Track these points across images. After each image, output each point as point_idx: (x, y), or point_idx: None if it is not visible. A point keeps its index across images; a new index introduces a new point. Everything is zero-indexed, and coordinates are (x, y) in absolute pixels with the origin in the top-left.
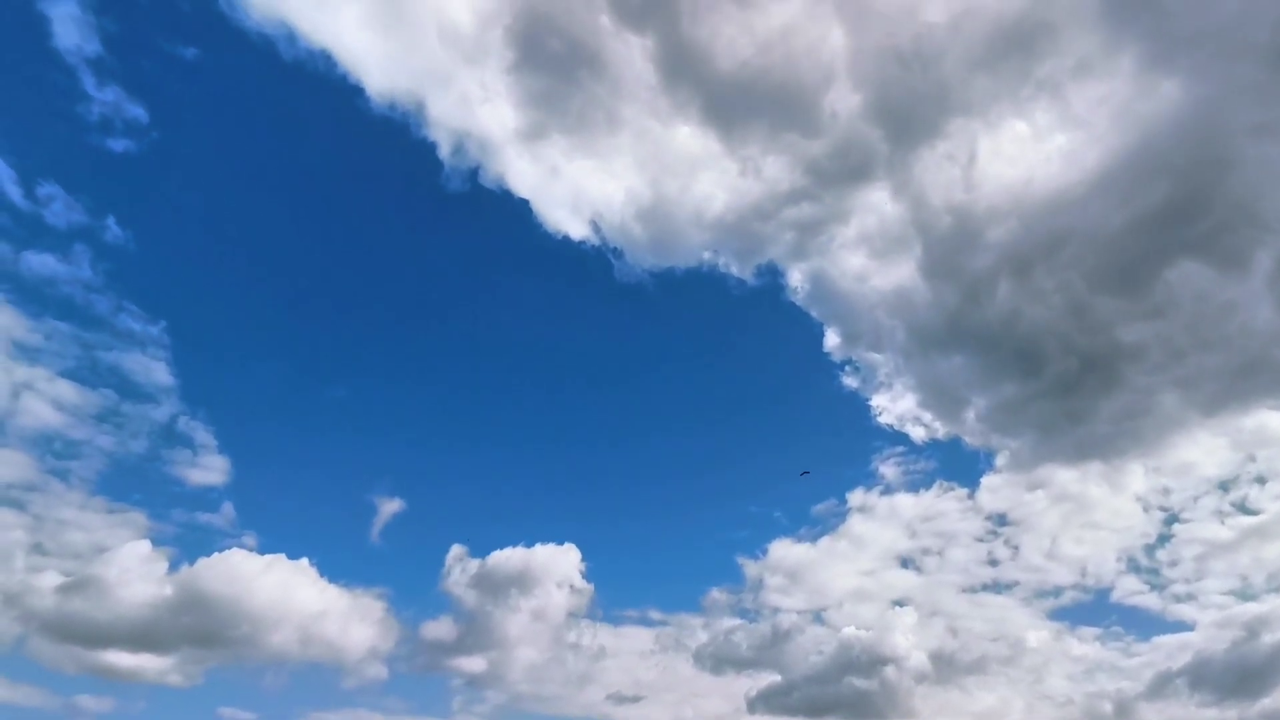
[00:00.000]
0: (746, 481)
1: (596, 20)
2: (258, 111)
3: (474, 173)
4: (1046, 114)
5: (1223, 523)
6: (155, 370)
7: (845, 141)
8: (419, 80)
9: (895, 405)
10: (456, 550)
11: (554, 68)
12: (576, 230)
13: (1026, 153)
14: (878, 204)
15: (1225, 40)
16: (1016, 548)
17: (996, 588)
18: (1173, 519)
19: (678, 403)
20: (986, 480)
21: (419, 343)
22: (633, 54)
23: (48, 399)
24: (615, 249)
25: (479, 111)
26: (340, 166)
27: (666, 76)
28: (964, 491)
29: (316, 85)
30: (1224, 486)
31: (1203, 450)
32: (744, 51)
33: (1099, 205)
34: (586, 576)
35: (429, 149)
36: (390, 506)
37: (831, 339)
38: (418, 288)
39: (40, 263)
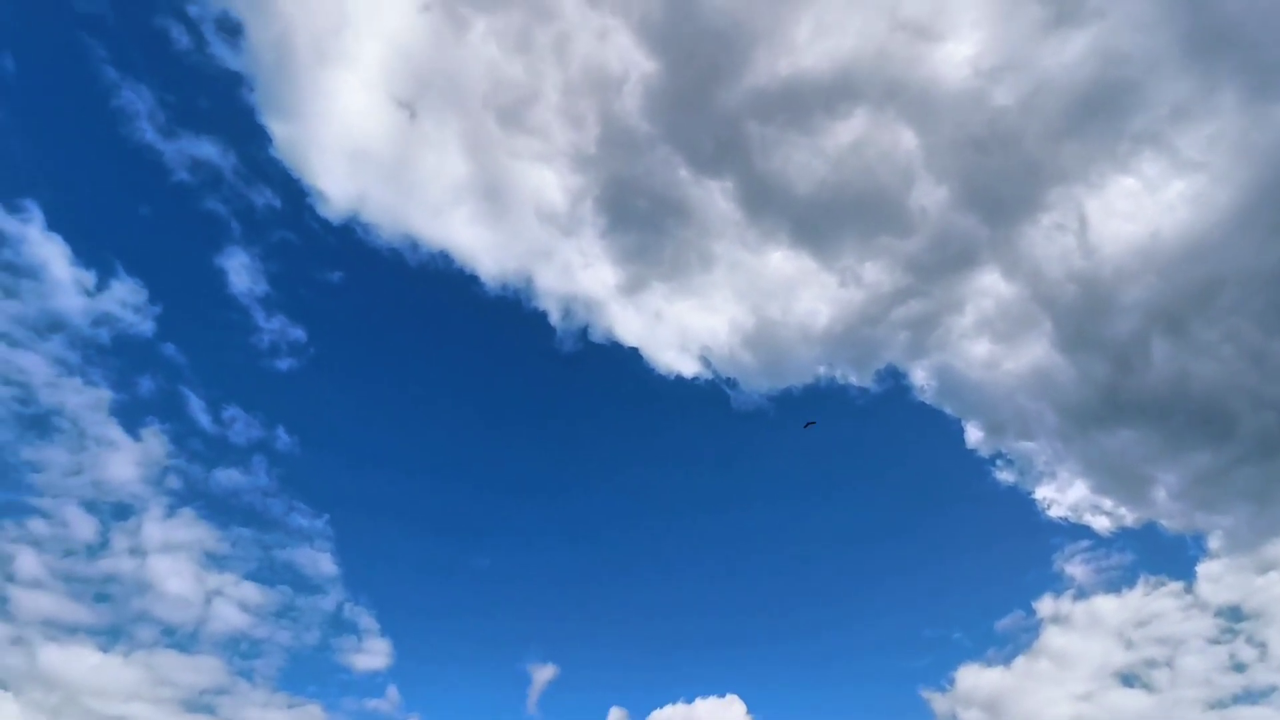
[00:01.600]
0: (914, 603)
1: (675, 174)
2: (393, 314)
3: (584, 331)
4: (1154, 164)
5: None
6: (322, 561)
7: (941, 233)
8: (525, 259)
9: (1065, 495)
10: (616, 713)
11: (643, 224)
12: (688, 368)
13: (1143, 206)
14: (990, 287)
15: None
16: (1263, 645)
17: (1251, 697)
18: None
19: (820, 528)
20: (1203, 568)
21: (553, 504)
22: (713, 196)
23: (235, 602)
24: (729, 379)
25: (581, 276)
26: (464, 349)
27: (750, 210)
28: (1178, 585)
29: (439, 281)
30: None
31: None
32: (819, 172)
33: (1246, 242)
34: None
35: (541, 318)
36: (544, 673)
37: (973, 434)
38: (545, 449)
39: (226, 477)
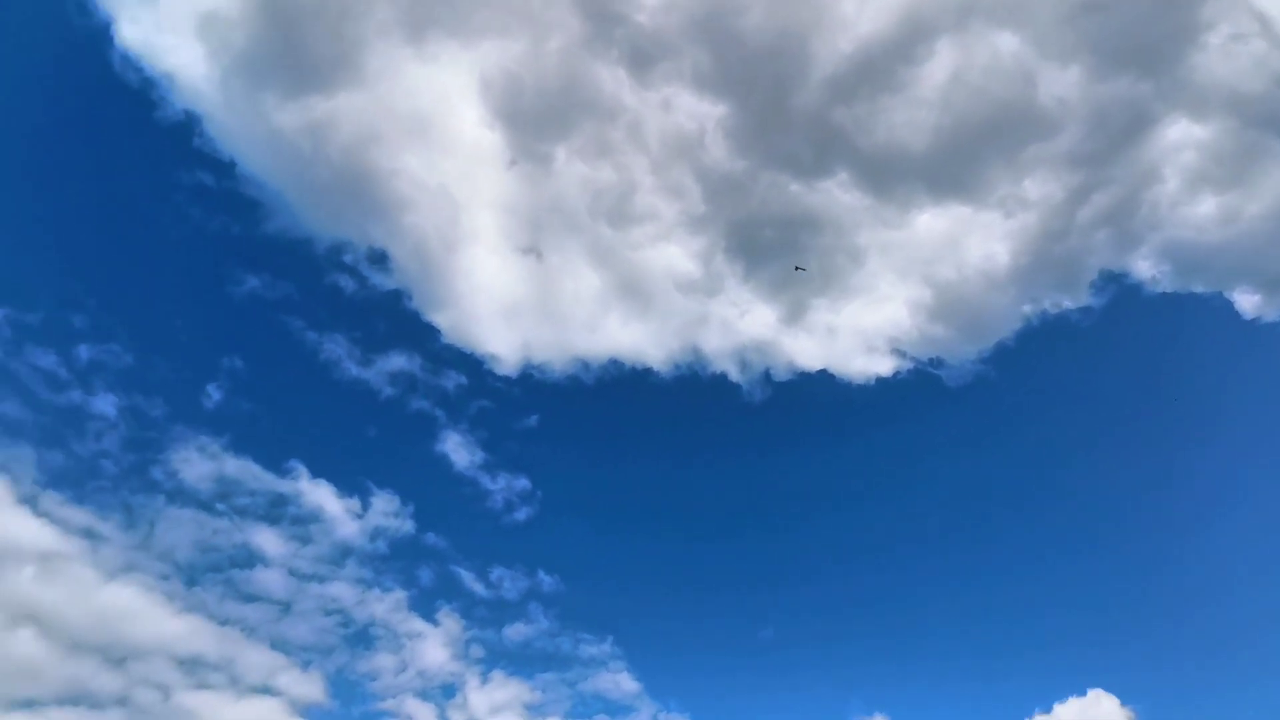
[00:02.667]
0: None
1: (787, 192)
2: (592, 433)
3: (766, 375)
4: None
5: None
6: (623, 681)
7: (1093, 112)
8: (685, 333)
9: None
10: None
11: (777, 252)
12: (884, 367)
13: None
14: (1183, 138)
15: None
16: None
17: None
18: None
19: (1111, 466)
20: None
21: (820, 556)
22: (833, 194)
23: None
24: (932, 359)
25: (742, 326)
26: (663, 439)
27: (876, 189)
28: None
29: (619, 387)
30: None
31: None
32: (927, 119)
33: None
34: None
35: (722, 381)
36: None
37: (1245, 301)
38: (786, 501)
39: (514, 631)
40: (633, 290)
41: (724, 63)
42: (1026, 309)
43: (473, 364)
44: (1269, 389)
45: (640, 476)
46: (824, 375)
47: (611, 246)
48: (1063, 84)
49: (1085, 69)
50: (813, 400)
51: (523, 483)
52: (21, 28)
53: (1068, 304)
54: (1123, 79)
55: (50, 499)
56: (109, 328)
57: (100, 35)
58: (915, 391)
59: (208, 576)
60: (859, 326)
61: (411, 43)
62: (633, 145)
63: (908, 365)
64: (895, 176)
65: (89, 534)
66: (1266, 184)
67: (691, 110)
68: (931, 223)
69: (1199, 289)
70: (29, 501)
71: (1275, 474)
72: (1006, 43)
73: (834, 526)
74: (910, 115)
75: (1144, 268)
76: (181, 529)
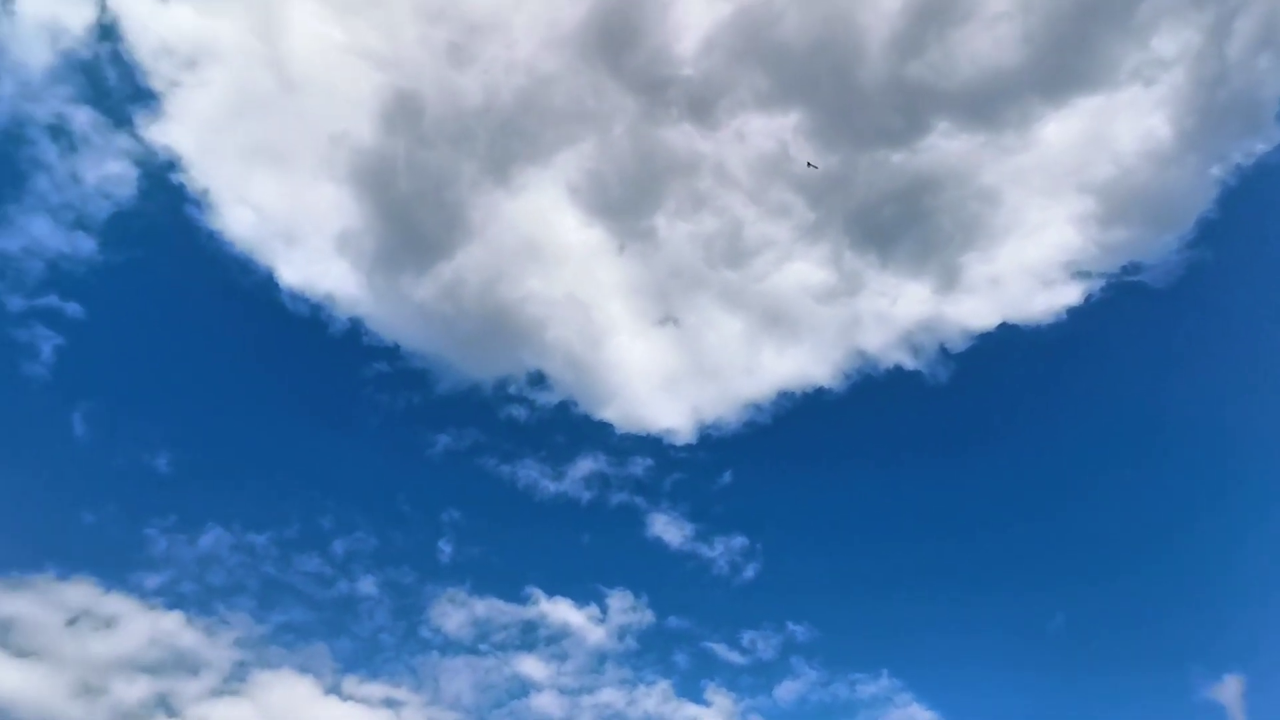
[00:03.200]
0: None
1: (889, 166)
2: (781, 466)
3: (943, 351)
4: None
5: None
6: (914, 713)
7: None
8: (843, 343)
9: None
10: None
11: (906, 226)
12: (1071, 295)
13: None
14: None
15: None
16: None
17: None
18: None
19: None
20: None
21: (1046, 530)
22: (940, 145)
23: None
24: (1126, 266)
25: (897, 311)
26: (853, 454)
27: (981, 122)
28: None
29: (798, 418)
30: None
31: None
32: (1017, 20)
33: None
34: None
35: (897, 373)
36: (1232, 687)
37: None
38: (984, 492)
39: (786, 690)
40: (776, 320)
41: (780, 74)
42: (1215, 171)
43: (652, 444)
44: None
45: (849, 498)
46: (1005, 329)
47: (739, 287)
48: None
49: None
50: (1003, 359)
51: (739, 540)
52: (208, 293)
53: (1260, 147)
54: None
55: (350, 682)
56: (350, 519)
57: (268, 283)
58: (1118, 309)
59: (494, 713)
60: (1024, 266)
61: (501, 185)
62: (722, 186)
63: (1099, 284)
64: (1000, 102)
65: (390, 702)
66: None
67: (765, 130)
68: (1061, 130)
69: None
70: (334, 690)
71: None
72: None
73: (1082, 486)
74: (991, 35)
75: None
76: (460, 676)
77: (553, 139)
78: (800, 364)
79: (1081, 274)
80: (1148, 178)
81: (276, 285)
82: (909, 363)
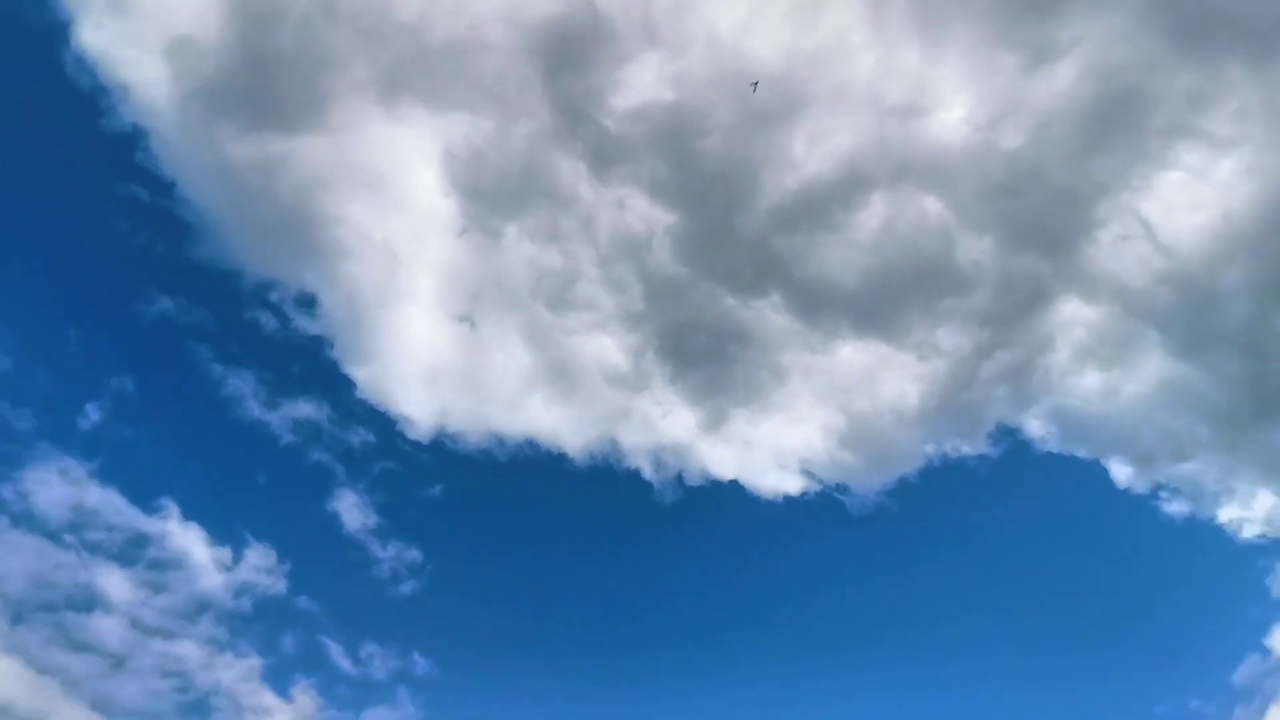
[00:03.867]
0: (1128, 677)
1: (723, 305)
2: (495, 511)
3: (679, 478)
4: (1192, 152)
5: None
6: None
7: (1002, 279)
8: (605, 425)
9: (1252, 509)
10: None
11: (706, 359)
12: (793, 485)
13: (1201, 193)
14: (1075, 316)
15: None
16: None
17: None
18: None
19: (993, 618)
20: None
21: (668, 661)
22: (765, 314)
23: None
24: (838, 485)
25: (662, 426)
26: (569, 526)
27: (805, 315)
28: None
29: (531, 468)
30: None
31: None
32: (859, 261)
33: None
34: None
35: (634, 477)
36: None
37: (1120, 471)
38: (677, 600)
39: (375, 716)
40: (561, 374)
41: (680, 176)
42: (929, 449)
43: (384, 423)
44: (1134, 553)
45: (539, 563)
46: (735, 485)
47: (547, 329)
48: (978, 250)
49: (997, 241)
50: (721, 508)
51: (414, 554)
52: None
53: (966, 450)
54: (1028, 255)
55: None
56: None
57: (57, 33)
58: (819, 513)
59: (36, 616)
60: (774, 443)
61: (382, 103)
62: (583, 236)
63: (815, 487)
64: (824, 307)
65: None
66: (1142, 369)
67: (644, 213)
68: (853, 355)
69: (1081, 454)
70: None
71: (1081, 632)
72: (932, 206)
73: (728, 633)
74: (843, 254)
75: (1035, 426)
76: (18, 557)
77: (458, 97)
78: (559, 424)
79: (807, 473)
80: (886, 427)
81: (67, 41)
82: (648, 472)
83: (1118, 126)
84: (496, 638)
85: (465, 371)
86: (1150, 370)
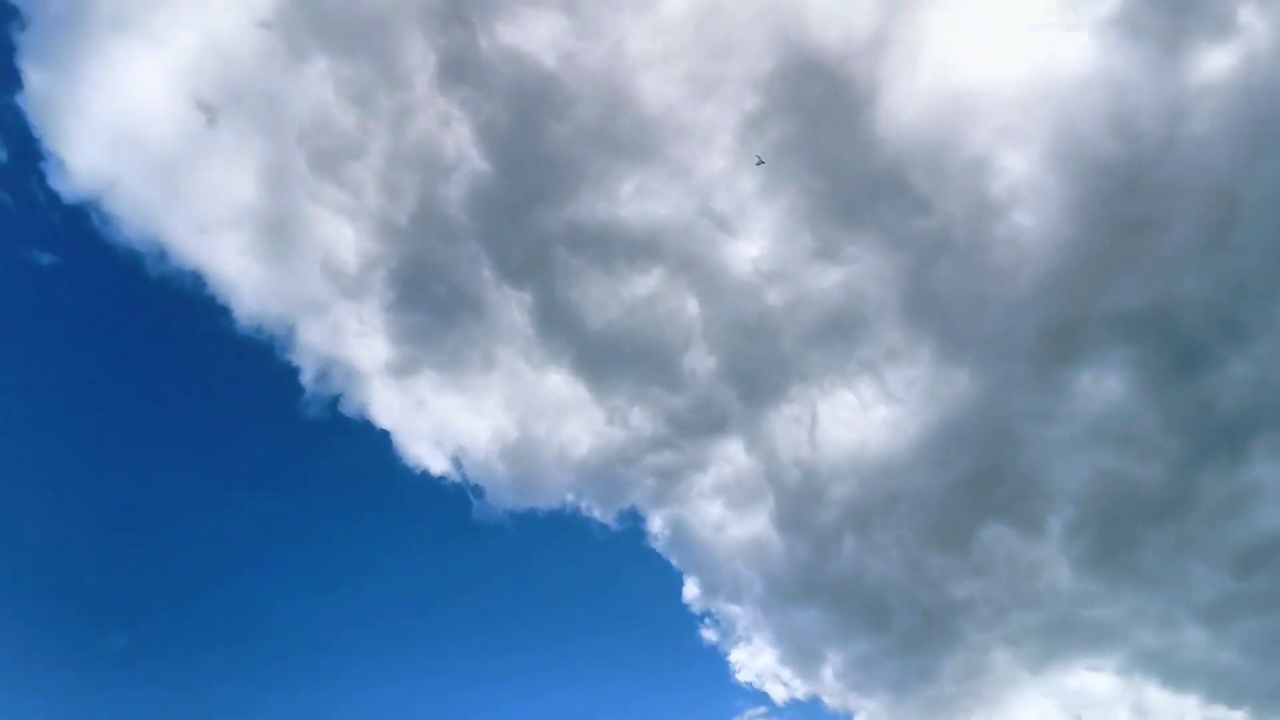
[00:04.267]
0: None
1: (479, 273)
2: (103, 317)
3: (335, 400)
4: (870, 388)
5: None
6: None
7: (704, 398)
8: (293, 307)
9: (755, 661)
10: None
11: (433, 310)
12: (438, 465)
13: (858, 420)
14: (733, 455)
15: (995, 343)
16: None
17: None
18: None
19: (533, 650)
20: None
21: (248, 571)
22: (510, 305)
23: None
24: (476, 486)
25: (352, 343)
26: (184, 378)
27: (541, 327)
28: None
29: (179, 301)
30: None
31: (1037, 710)
32: (613, 313)
33: (922, 469)
34: None
35: (291, 373)
36: None
37: (691, 589)
38: (260, 510)
39: None
40: (278, 231)
41: (514, 137)
42: (569, 497)
43: (27, 149)
44: (667, 652)
45: (124, 389)
46: (385, 437)
47: (293, 179)
48: (702, 364)
49: (719, 366)
50: (359, 450)
51: None
52: None
53: (596, 514)
54: (731, 390)
55: None
56: None
57: None
58: (447, 501)
59: None
60: (445, 420)
61: None
62: (391, 121)
63: (456, 477)
64: (562, 331)
65: None
66: (750, 522)
67: (461, 144)
68: (559, 385)
69: (673, 561)
70: None
71: (592, 698)
72: (692, 308)
73: (278, 545)
74: (605, 298)
75: (656, 524)
76: None
77: None
78: (245, 276)
79: (457, 461)
80: (547, 460)
81: None
82: (307, 376)
83: (839, 339)
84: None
85: (170, 161)
86: (754, 525)
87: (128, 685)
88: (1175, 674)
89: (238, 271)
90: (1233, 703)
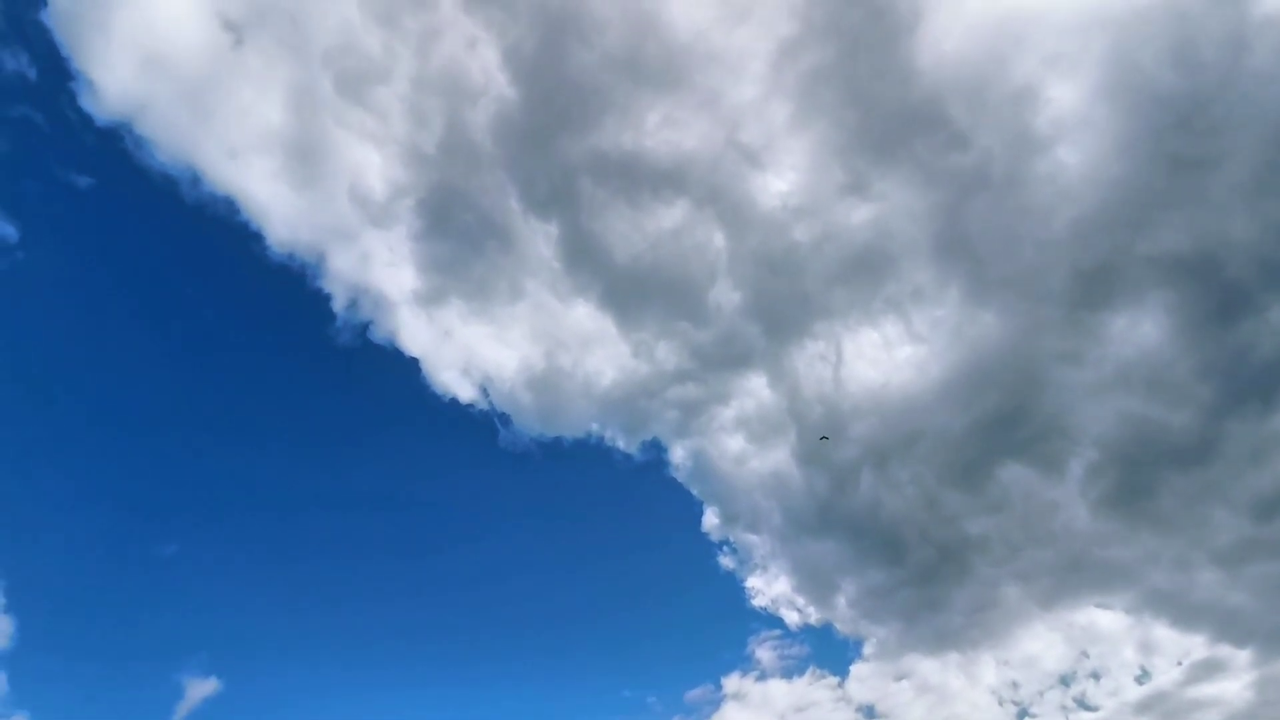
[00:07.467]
0: (623, 662)
1: (506, 202)
2: (142, 243)
3: (365, 327)
4: (894, 327)
5: (1066, 718)
6: None
7: (728, 332)
8: (323, 235)
9: (770, 588)
10: None
11: (461, 239)
12: (465, 393)
13: (881, 358)
14: (756, 390)
15: (1026, 285)
16: None
17: None
18: (1024, 713)
19: (555, 576)
20: (856, 669)
21: (280, 494)
22: (537, 236)
23: None
24: (503, 414)
25: (380, 271)
26: (219, 305)
27: (569, 260)
28: (835, 679)
29: (214, 227)
30: (1065, 681)
31: (1043, 644)
32: (638, 246)
33: (944, 409)
34: None
35: (323, 300)
36: (202, 688)
37: (710, 519)
38: (287, 434)
39: None
40: (307, 157)
41: (541, 62)
42: (594, 427)
43: (58, 69)
44: (686, 577)
45: (162, 317)
46: (414, 364)
47: (321, 104)
48: (728, 299)
49: (744, 301)
50: (389, 377)
51: (8, 230)
52: None
53: (620, 444)
54: (756, 326)
55: None
56: None
57: None
58: (475, 429)
59: None
60: (472, 348)
61: None
62: (417, 44)
63: (483, 405)
64: (589, 264)
65: None
66: (771, 455)
67: (488, 68)
68: (585, 318)
69: (694, 491)
70: None
71: (614, 620)
72: (718, 241)
73: (304, 469)
74: (630, 232)
75: (678, 455)
76: None
77: None
78: (277, 200)
79: (484, 389)
80: (572, 390)
81: None
82: (338, 303)
83: (866, 277)
84: (69, 364)
85: (200, 83)
86: (775, 459)
87: (174, 589)
88: (1184, 614)
89: (269, 198)
90: (1239, 642)
